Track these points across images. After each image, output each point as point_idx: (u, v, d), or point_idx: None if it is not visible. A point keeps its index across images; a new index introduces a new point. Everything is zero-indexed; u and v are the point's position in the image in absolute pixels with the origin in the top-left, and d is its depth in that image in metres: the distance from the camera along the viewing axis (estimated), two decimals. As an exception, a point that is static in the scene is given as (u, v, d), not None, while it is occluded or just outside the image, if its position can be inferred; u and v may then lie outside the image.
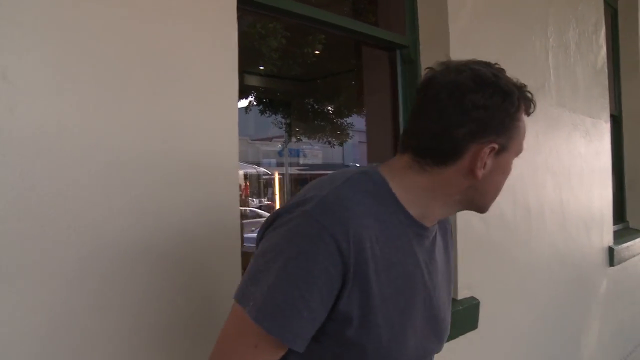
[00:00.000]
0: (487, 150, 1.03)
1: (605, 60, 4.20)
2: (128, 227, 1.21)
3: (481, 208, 1.16)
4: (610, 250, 4.04)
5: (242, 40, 1.50)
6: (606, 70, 4.21)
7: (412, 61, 2.43)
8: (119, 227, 1.19)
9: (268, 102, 9.35)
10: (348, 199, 0.98)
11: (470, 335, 2.33)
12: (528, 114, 1.11)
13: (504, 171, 1.12)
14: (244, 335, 0.96)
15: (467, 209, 1.15)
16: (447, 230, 1.28)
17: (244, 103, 9.16)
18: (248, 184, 12.78)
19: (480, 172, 1.04)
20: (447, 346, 2.17)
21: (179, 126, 1.31)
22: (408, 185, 1.05)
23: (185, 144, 1.32)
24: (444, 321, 1.17)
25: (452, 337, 2.20)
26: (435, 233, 1.15)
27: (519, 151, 1.14)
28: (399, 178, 1.05)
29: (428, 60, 2.41)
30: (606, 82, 4.21)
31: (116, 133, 1.19)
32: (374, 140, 2.77)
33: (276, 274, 0.93)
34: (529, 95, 1.10)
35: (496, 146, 1.04)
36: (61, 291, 1.10)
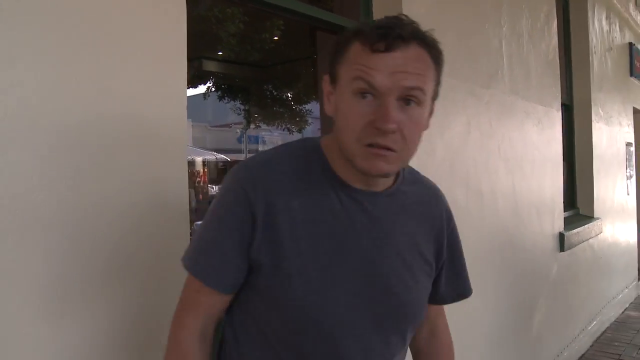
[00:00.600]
0: (326, 78, 1.06)
1: (557, 50, 4.28)
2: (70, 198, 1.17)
3: (352, 162, 1.00)
4: (561, 236, 4.15)
5: (200, 25, 1.47)
6: (558, 59, 4.30)
7: (366, 47, 2.42)
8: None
9: (227, 88, 9.28)
10: (269, 159, 1.08)
11: (423, 319, 2.35)
12: (371, 48, 0.95)
13: (342, 107, 1.00)
14: (189, 283, 1.09)
15: (355, 167, 1.01)
16: (441, 216, 1.22)
17: (202, 89, 9.06)
18: (206, 170, 12.64)
19: (327, 107, 1.06)
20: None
21: (124, 97, 1.28)
22: (338, 149, 1.05)
23: (130, 114, 1.29)
24: (403, 303, 1.11)
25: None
26: (404, 203, 1.14)
27: (352, 86, 0.96)
28: (335, 144, 1.06)
29: (382, 46, 2.41)
30: (558, 72, 4.30)
31: (67, 103, 1.15)
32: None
33: (201, 225, 1.07)
34: (375, 27, 0.97)
35: (328, 76, 1.06)
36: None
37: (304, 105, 9.79)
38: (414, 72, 0.96)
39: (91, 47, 1.22)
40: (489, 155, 3.05)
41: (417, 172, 1.25)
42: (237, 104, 9.95)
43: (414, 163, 2.30)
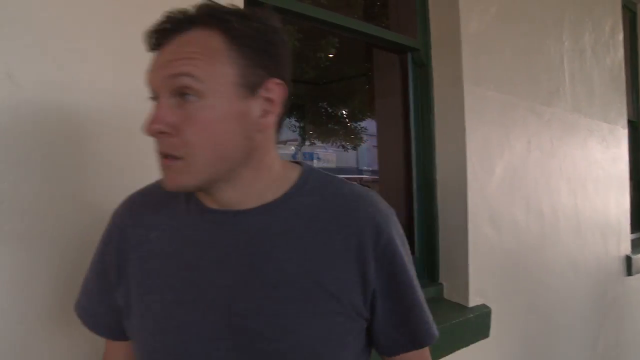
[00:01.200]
0: None
1: (623, 65, 4.13)
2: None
3: None
4: (628, 259, 3.96)
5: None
6: (623, 75, 4.14)
7: (423, 64, 2.40)
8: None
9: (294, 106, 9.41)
10: (142, 190, 0.99)
11: (481, 343, 2.28)
12: (149, 49, 0.83)
13: None
14: None
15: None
16: (362, 233, 0.88)
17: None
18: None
19: None
20: (459, 354, 2.15)
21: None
22: None
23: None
24: (277, 353, 0.85)
25: (463, 345, 2.17)
26: (295, 219, 0.88)
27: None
28: None
29: (440, 63, 2.38)
30: (624, 87, 4.14)
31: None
32: (384, 143, 2.74)
33: None
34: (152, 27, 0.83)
35: None
36: None
37: (358, 123, 9.81)
38: (181, 58, 0.78)
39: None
40: (550, 174, 2.95)
41: (335, 180, 0.96)
42: (292, 121, 10.06)
43: (474, 182, 2.26)
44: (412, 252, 2.37)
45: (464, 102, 2.28)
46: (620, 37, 4.11)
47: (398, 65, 2.51)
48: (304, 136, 10.99)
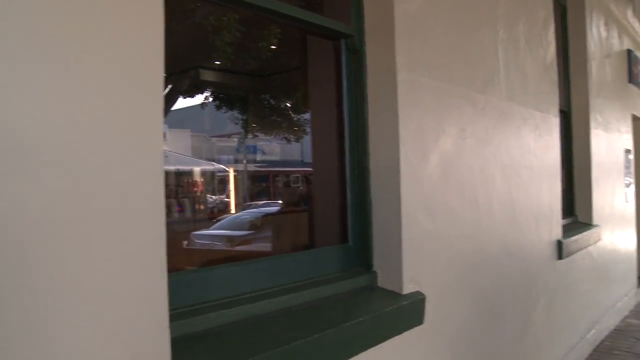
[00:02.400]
0: None
1: (555, 56, 4.23)
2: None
3: None
4: (559, 244, 4.08)
5: (196, 34, 1.41)
6: (555, 66, 4.24)
7: (357, 51, 2.37)
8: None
9: (225, 97, 9.24)
10: None
11: (416, 330, 2.28)
12: None
13: None
14: None
15: None
16: None
17: (200, 99, 9.04)
18: (203, 180, 12.61)
19: None
20: (393, 341, 2.14)
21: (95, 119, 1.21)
22: None
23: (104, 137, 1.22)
24: None
25: (397, 332, 2.16)
26: None
27: None
28: None
29: (374, 50, 2.36)
30: (556, 78, 4.24)
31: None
32: (318, 133, 2.71)
33: None
34: None
35: None
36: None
37: (302, 114, 9.75)
38: None
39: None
40: (485, 162, 2.99)
41: None
42: (235, 113, 9.91)
43: (407, 170, 2.25)
44: (346, 241, 2.35)
45: (397, 89, 2.26)
46: (552, 29, 4.20)
47: (332, 53, 2.47)
48: (247, 129, 10.85)
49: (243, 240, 6.63)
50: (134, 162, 1.28)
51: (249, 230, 7.13)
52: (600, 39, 5.70)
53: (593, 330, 4.95)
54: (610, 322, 5.51)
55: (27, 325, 1.08)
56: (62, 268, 1.14)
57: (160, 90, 1.36)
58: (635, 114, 7.23)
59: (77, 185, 1.17)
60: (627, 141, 6.77)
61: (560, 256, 4.07)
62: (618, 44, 6.51)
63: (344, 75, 2.38)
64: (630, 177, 6.83)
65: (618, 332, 5.47)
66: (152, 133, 1.33)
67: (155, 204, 1.33)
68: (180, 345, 1.48)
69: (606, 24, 5.97)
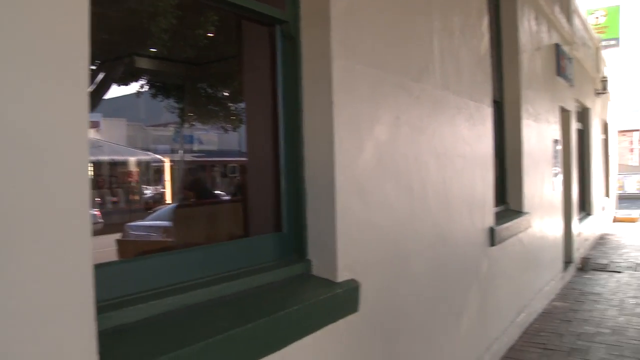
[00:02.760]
0: None
1: (488, 47, 4.32)
2: None
3: None
4: (491, 231, 4.19)
5: (131, 20, 1.33)
6: (489, 57, 4.34)
7: (292, 37, 2.34)
8: None
9: (160, 86, 9.02)
10: None
11: (350, 318, 2.29)
12: None
13: None
14: None
15: None
16: None
17: (135, 87, 8.80)
18: (138, 170, 12.31)
19: None
20: (328, 329, 2.14)
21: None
22: None
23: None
24: None
25: (332, 320, 2.16)
26: None
27: None
28: None
29: (309, 36, 2.33)
30: (489, 69, 4.34)
31: None
32: (252, 121, 2.67)
33: None
34: None
35: None
36: None
37: (239, 104, 9.64)
38: None
39: None
40: (419, 150, 3.03)
41: None
42: (172, 102, 9.70)
43: (341, 158, 2.24)
44: (280, 229, 2.32)
45: (332, 77, 2.25)
46: (486, 21, 4.30)
47: (267, 39, 2.43)
48: (183, 118, 10.65)
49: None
50: (56, 153, 1.21)
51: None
52: (531, 32, 5.89)
53: (523, 314, 5.13)
54: (538, 305, 5.73)
55: None
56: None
57: (85, 79, 1.28)
58: (563, 105, 7.53)
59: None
60: (556, 132, 7.04)
61: (492, 243, 4.19)
62: (547, 38, 6.74)
63: (279, 62, 2.34)
64: (558, 167, 7.11)
65: (545, 315, 5.70)
66: (76, 123, 1.26)
67: (80, 196, 1.26)
68: (109, 338, 1.43)
69: (536, 19, 6.17)
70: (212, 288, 1.88)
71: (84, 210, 1.28)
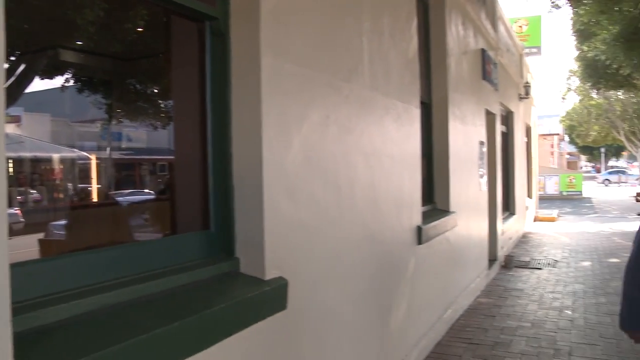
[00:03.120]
0: None
1: (417, 50, 4.43)
2: None
3: None
4: (419, 229, 4.30)
5: (56, 10, 1.27)
6: (417, 59, 4.45)
7: (222, 34, 2.32)
8: None
9: (87, 80, 8.73)
10: None
11: (278, 315, 2.30)
12: None
13: None
14: None
15: None
16: None
17: (60, 81, 8.46)
18: (63, 167, 11.84)
19: None
20: (257, 327, 2.14)
21: None
22: None
23: None
24: None
25: (260, 318, 2.16)
26: None
27: None
28: None
29: (238, 33, 2.32)
30: (417, 70, 4.45)
31: None
32: (180, 118, 2.63)
33: None
34: None
35: None
36: None
37: (169, 101, 9.45)
38: None
39: None
40: (347, 149, 3.07)
41: None
42: (99, 98, 9.40)
43: (270, 156, 2.25)
44: (207, 227, 2.30)
45: (261, 75, 2.24)
46: (415, 24, 4.40)
47: (196, 35, 2.40)
48: (111, 114, 10.33)
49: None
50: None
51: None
52: (459, 36, 6.08)
53: (449, 310, 5.29)
54: (464, 302, 5.93)
55: None
56: None
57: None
58: (488, 108, 7.81)
59: None
60: (481, 134, 7.29)
61: (419, 241, 4.30)
62: (474, 42, 6.98)
63: (207, 59, 2.32)
64: (484, 168, 7.38)
65: (470, 311, 5.92)
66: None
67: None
68: (26, 340, 1.39)
69: (463, 24, 6.38)
70: (138, 286, 1.84)
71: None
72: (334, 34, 2.96)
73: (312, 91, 2.67)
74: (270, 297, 2.23)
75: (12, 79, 6.21)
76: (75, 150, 13.95)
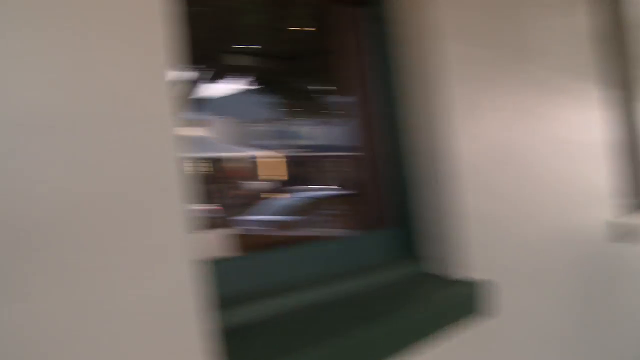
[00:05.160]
0: None
1: (606, 26, 3.97)
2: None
3: None
4: (615, 225, 3.81)
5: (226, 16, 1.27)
6: (607, 37, 3.98)
7: (391, 20, 2.20)
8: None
9: (261, 82, 9.20)
10: None
11: (473, 320, 2.10)
12: None
13: None
14: None
15: None
16: None
17: (237, 85, 9.00)
18: (250, 165, 12.65)
19: None
20: (449, 332, 1.99)
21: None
22: None
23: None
24: None
25: (453, 321, 2.00)
26: None
27: None
28: None
29: (414, 18, 2.17)
30: (609, 50, 3.97)
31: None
32: (359, 115, 2.52)
33: None
34: None
35: None
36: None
37: (346, 97, 9.64)
38: None
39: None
40: (537, 137, 2.77)
41: None
42: (272, 98, 9.88)
43: (460, 148, 2.08)
44: (395, 225, 2.19)
45: (445, 60, 2.09)
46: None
47: (365, 24, 2.30)
48: (286, 113, 10.84)
49: None
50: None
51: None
52: None
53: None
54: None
55: None
56: None
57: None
58: None
59: None
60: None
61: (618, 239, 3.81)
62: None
63: (380, 48, 2.22)
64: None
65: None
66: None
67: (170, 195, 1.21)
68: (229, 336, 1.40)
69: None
70: (326, 287, 1.81)
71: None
72: (518, 11, 2.70)
73: (499, 75, 2.46)
74: (464, 300, 2.06)
75: (196, 86, 6.70)
76: (250, 149, 14.83)
